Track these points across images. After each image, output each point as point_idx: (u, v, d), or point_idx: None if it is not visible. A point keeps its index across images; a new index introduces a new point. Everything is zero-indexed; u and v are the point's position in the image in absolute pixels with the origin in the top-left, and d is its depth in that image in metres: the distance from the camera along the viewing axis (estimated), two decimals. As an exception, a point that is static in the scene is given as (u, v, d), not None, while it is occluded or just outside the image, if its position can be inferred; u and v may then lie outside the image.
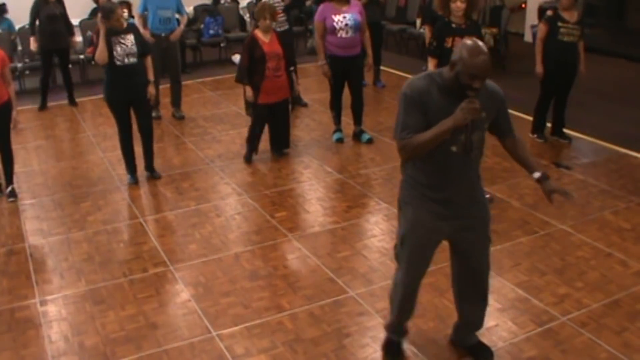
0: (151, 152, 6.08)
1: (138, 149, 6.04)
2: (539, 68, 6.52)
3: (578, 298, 4.15)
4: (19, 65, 8.99)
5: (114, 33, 5.56)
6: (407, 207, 3.30)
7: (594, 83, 8.67)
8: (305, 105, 8.11)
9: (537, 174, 3.31)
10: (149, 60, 5.87)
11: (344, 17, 6.34)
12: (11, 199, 5.70)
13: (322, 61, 6.55)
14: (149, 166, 6.11)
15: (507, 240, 4.86)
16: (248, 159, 6.41)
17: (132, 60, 5.63)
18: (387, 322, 3.70)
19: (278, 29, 7.56)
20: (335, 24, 6.34)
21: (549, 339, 3.77)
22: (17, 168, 6.34)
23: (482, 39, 5.32)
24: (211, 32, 10.35)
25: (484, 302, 3.54)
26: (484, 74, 2.97)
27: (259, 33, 6.10)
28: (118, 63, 5.57)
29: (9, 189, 5.75)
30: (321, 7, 6.54)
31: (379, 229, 4.94)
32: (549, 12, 6.54)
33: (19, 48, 9.27)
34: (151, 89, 5.88)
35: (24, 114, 7.99)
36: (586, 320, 3.93)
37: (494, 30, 9.62)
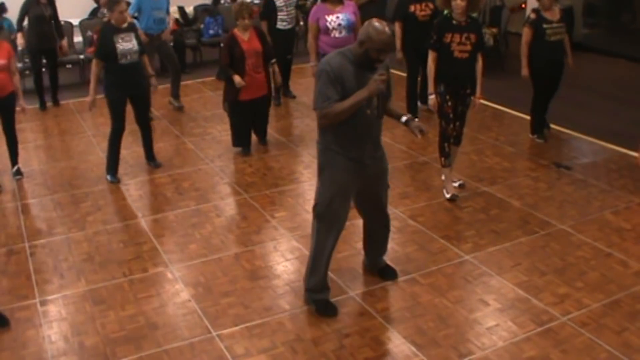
0: (151, 142, 6.33)
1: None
2: (524, 71, 6.56)
3: (578, 298, 4.15)
4: (20, 65, 8.96)
5: (116, 31, 5.71)
6: (331, 169, 3.82)
7: (594, 83, 8.68)
8: (294, 97, 8.42)
9: (404, 118, 3.92)
10: (146, 58, 6.13)
11: (337, 17, 6.37)
12: (18, 177, 6.08)
13: (313, 62, 6.57)
14: (150, 156, 6.35)
15: (507, 240, 4.86)
16: (238, 149, 6.67)
17: (135, 58, 5.81)
18: (311, 285, 4.05)
19: (288, 27, 7.89)
20: (328, 24, 6.37)
21: (549, 339, 3.77)
22: (17, 168, 6.37)
23: (481, 36, 5.40)
24: (211, 32, 10.35)
25: (386, 231, 4.30)
26: (389, 48, 3.63)
27: (238, 32, 6.28)
28: (122, 62, 5.71)
29: (15, 168, 6.13)
30: (315, 7, 6.60)
31: (379, 229, 4.93)
32: (532, 15, 6.53)
33: (19, 48, 9.24)
34: (154, 81, 6.21)
35: (24, 114, 8.00)
36: (586, 320, 3.93)
37: (494, 30, 9.61)
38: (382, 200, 4.14)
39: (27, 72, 9.02)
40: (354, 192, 3.95)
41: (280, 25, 7.86)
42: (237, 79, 6.19)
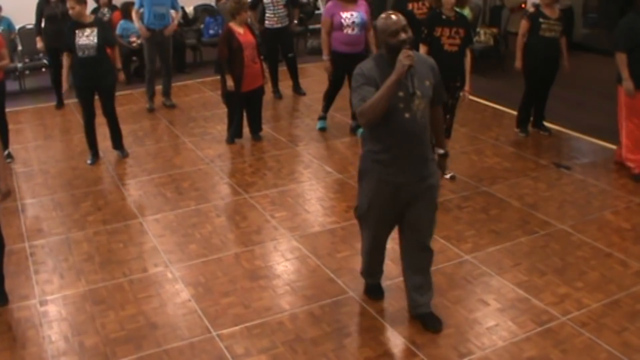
0: (116, 132, 6.55)
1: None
2: (518, 64, 6.69)
3: (578, 298, 4.15)
4: (19, 65, 8.97)
5: (78, 26, 6.03)
6: (369, 177, 3.67)
7: (594, 83, 8.67)
8: (304, 94, 8.55)
9: (441, 151, 3.84)
10: (116, 51, 6.37)
11: (352, 15, 6.55)
12: (9, 160, 6.43)
13: (326, 57, 6.78)
14: (116, 145, 6.59)
15: (507, 240, 4.86)
16: (230, 141, 6.91)
17: (92, 52, 6.05)
18: (361, 269, 4.16)
19: (280, 25, 8.02)
20: (343, 20, 6.53)
21: (549, 339, 3.77)
22: (17, 168, 6.37)
23: (469, 31, 5.66)
24: (211, 32, 10.35)
25: (426, 264, 3.86)
26: (400, 24, 3.44)
27: (234, 26, 6.54)
28: (79, 54, 6.04)
29: (7, 152, 6.46)
30: (329, 4, 6.77)
31: (379, 229, 4.94)
32: (531, 9, 6.76)
33: (19, 48, 9.24)
34: (121, 75, 6.43)
35: (24, 114, 8.02)
36: (586, 320, 3.93)
37: (494, 30, 9.61)
38: (423, 224, 3.74)
39: (28, 72, 9.02)
40: (399, 206, 3.68)
41: (267, 23, 7.99)
42: (229, 81, 6.50)
